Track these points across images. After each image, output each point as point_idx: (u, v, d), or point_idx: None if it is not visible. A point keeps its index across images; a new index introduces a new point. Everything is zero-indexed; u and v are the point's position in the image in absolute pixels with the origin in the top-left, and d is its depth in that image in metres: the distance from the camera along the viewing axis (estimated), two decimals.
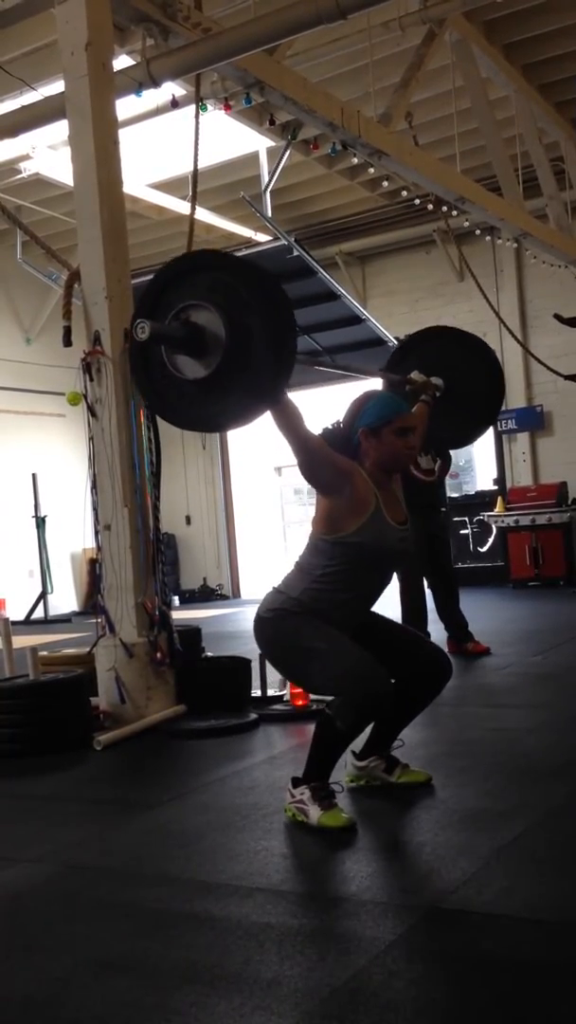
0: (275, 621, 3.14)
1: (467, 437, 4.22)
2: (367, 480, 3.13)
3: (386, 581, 3.28)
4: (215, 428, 3.16)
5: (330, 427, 3.20)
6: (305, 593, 3.11)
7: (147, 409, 3.17)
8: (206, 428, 3.22)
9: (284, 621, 3.12)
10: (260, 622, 3.19)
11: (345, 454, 3.13)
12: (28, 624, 11.66)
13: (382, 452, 3.15)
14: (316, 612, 3.10)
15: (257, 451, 13.97)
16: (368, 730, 3.38)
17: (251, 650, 5.59)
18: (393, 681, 3.18)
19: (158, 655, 4.80)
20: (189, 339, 2.87)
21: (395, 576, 5.98)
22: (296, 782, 3.13)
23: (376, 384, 3.91)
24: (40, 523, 12.27)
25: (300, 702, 4.73)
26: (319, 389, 13.06)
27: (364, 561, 3.10)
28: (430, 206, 10.05)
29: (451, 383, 3.84)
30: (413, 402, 3.67)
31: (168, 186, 10.25)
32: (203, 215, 10.54)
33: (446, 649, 6.21)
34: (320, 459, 3.04)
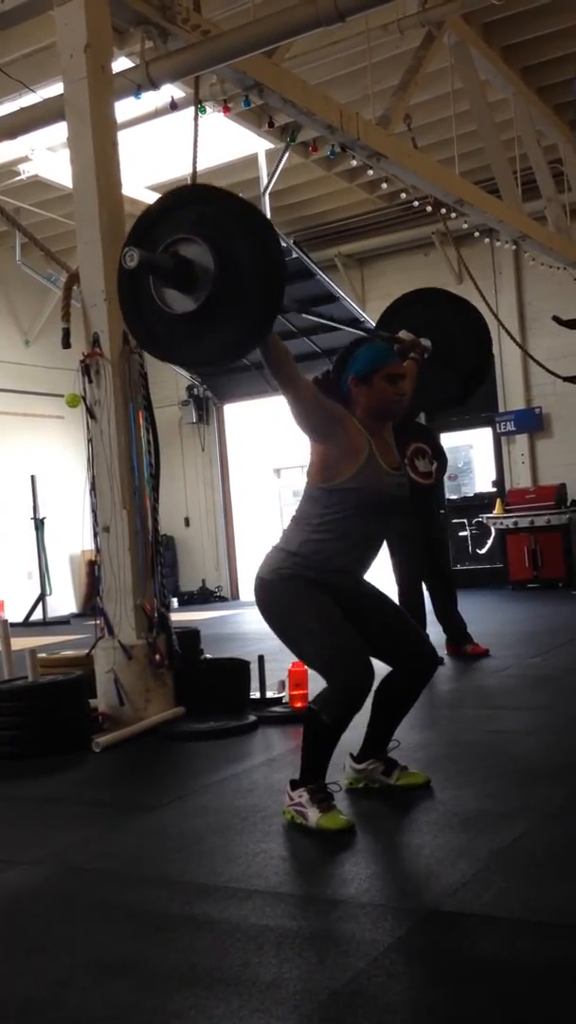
0: (274, 585, 3.12)
1: (458, 397, 4.22)
2: (359, 426, 3.13)
3: (384, 531, 3.26)
4: (204, 363, 3.11)
5: (319, 376, 3.19)
6: (304, 546, 3.10)
7: (136, 343, 3.09)
8: (195, 363, 3.21)
9: (283, 587, 3.10)
10: (260, 584, 3.17)
11: (335, 402, 3.13)
12: (27, 626, 11.64)
13: (372, 399, 3.15)
14: (316, 569, 3.08)
15: (256, 453, 13.97)
16: (364, 733, 3.39)
17: (250, 652, 5.60)
18: (383, 679, 3.22)
19: (157, 657, 4.80)
20: (177, 271, 2.84)
21: (391, 571, 6.08)
22: (294, 785, 3.13)
23: None
24: (39, 525, 12.26)
25: (299, 704, 4.73)
26: None
27: (361, 507, 3.09)
28: (429, 208, 10.05)
29: (439, 343, 3.85)
30: (402, 361, 3.67)
31: (167, 188, 10.21)
32: None
33: (444, 651, 6.25)
34: (311, 401, 3.03)
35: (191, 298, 2.85)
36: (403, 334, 3.79)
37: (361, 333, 3.54)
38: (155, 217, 2.99)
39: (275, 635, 3.23)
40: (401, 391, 3.19)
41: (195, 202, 2.95)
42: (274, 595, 3.14)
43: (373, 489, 3.09)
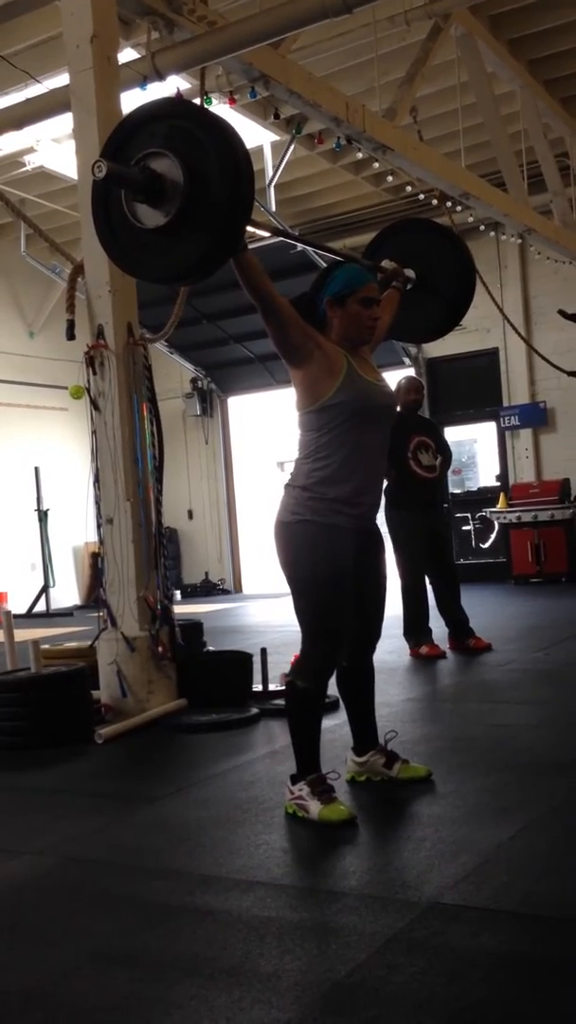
0: (290, 528, 3.14)
1: (441, 327, 4.22)
2: (334, 345, 3.15)
3: (382, 446, 3.26)
4: (177, 277, 3.10)
5: (296, 297, 3.20)
6: (313, 475, 3.11)
7: (112, 262, 3.12)
8: (167, 279, 3.20)
9: (300, 532, 3.12)
10: (278, 528, 3.19)
11: (311, 323, 3.14)
12: (30, 617, 11.67)
13: (346, 322, 3.17)
14: (333, 506, 3.08)
15: (259, 446, 13.97)
16: (350, 728, 3.44)
17: (253, 645, 5.60)
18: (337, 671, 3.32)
19: (160, 649, 4.81)
20: (147, 184, 2.85)
21: (394, 565, 6.08)
22: (294, 779, 3.14)
23: None
24: (42, 517, 12.28)
25: None
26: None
27: (352, 419, 3.10)
28: (434, 201, 10.02)
29: (424, 273, 3.87)
30: (384, 289, 3.68)
31: None
32: None
33: (447, 645, 6.26)
34: (288, 317, 3.05)
35: (161, 212, 2.86)
36: (386, 263, 3.81)
37: (341, 259, 3.54)
38: (127, 132, 3.00)
39: (284, 577, 3.26)
40: (374, 315, 3.21)
41: (166, 116, 2.94)
42: (292, 538, 3.15)
43: (359, 399, 3.11)
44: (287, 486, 3.22)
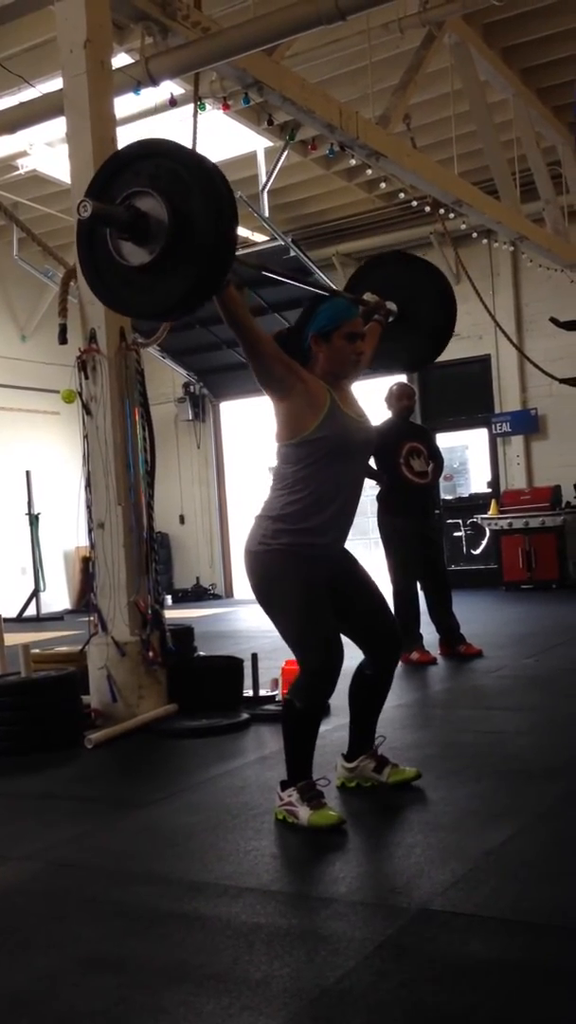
0: (260, 557, 3.14)
1: (423, 359, 4.28)
2: (317, 379, 3.16)
3: (358, 481, 3.29)
4: (161, 313, 3.15)
5: (283, 331, 3.22)
6: (286, 508, 3.12)
7: (96, 297, 3.21)
8: (151, 315, 3.23)
9: (269, 560, 3.12)
10: (249, 557, 3.19)
11: (296, 358, 3.15)
12: (20, 622, 11.63)
13: (331, 357, 3.18)
14: (302, 534, 3.09)
15: (251, 451, 13.96)
16: (348, 731, 3.42)
17: (243, 650, 5.60)
18: (352, 674, 3.30)
19: (150, 654, 4.80)
20: (132, 223, 2.88)
21: (385, 571, 6.08)
22: (283, 785, 3.14)
23: None
24: (33, 520, 12.24)
25: None
26: None
27: (331, 455, 3.11)
28: (427, 208, 10.04)
29: (404, 306, 3.91)
30: (366, 322, 3.70)
31: None
32: None
33: (438, 651, 6.26)
34: (271, 354, 3.06)
35: (146, 250, 2.89)
36: (368, 296, 3.84)
37: (324, 293, 3.57)
38: (112, 171, 3.04)
39: (262, 609, 3.26)
40: (359, 350, 3.23)
41: (151, 155, 2.98)
42: (261, 567, 3.16)
43: (339, 436, 3.11)
44: (258, 517, 3.21)
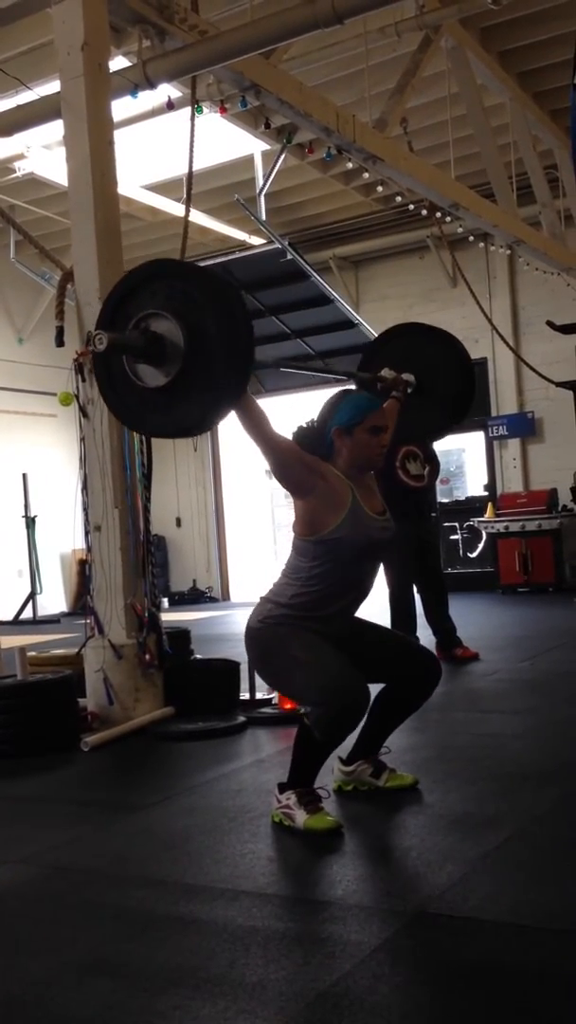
0: (265, 630, 3.14)
1: (441, 429, 4.25)
2: (340, 476, 3.14)
3: (373, 575, 3.27)
4: (180, 432, 3.18)
5: (304, 426, 3.21)
6: (295, 599, 3.11)
7: (115, 417, 3.28)
8: (169, 434, 3.25)
9: (273, 631, 3.12)
10: (250, 632, 3.19)
11: (318, 453, 3.15)
12: (16, 624, 11.61)
13: (355, 451, 3.17)
14: (307, 619, 3.10)
15: (248, 454, 13.95)
16: (355, 734, 3.39)
17: (240, 653, 5.58)
18: (383, 685, 3.23)
19: (147, 657, 4.80)
20: (148, 348, 2.91)
21: (382, 574, 6.08)
22: (282, 787, 3.13)
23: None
24: (30, 523, 12.23)
25: (288, 705, 4.72)
26: (299, 394, 13.09)
27: (348, 556, 3.10)
28: (424, 212, 10.07)
29: (422, 378, 3.88)
30: (384, 399, 3.70)
31: (162, 188, 10.25)
32: (197, 217, 10.54)
33: (434, 654, 6.25)
34: (289, 458, 3.05)
35: (162, 372, 2.92)
36: (385, 372, 3.81)
37: (342, 376, 3.58)
38: (126, 291, 3.06)
39: (265, 680, 3.28)
40: (383, 443, 3.20)
41: (168, 276, 3.00)
42: (263, 639, 3.15)
43: (359, 537, 3.10)
44: (263, 599, 3.21)
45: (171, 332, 2.87)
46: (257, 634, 3.16)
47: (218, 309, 2.84)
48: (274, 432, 3.02)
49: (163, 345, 2.88)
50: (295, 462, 3.06)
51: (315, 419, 3.23)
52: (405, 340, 4.15)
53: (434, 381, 3.90)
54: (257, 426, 2.97)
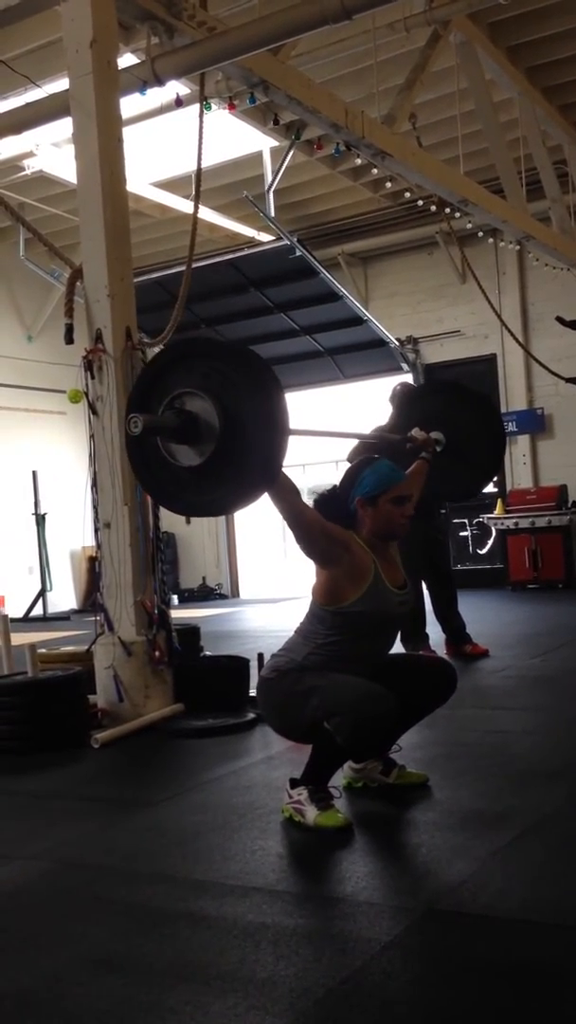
0: (279, 678, 3.15)
1: (470, 490, 4.26)
2: (364, 547, 3.14)
3: (389, 644, 3.32)
4: (213, 513, 3.18)
5: (325, 493, 3.21)
6: (308, 659, 3.13)
7: (149, 496, 3.30)
8: (204, 513, 3.24)
9: (285, 675, 3.14)
10: (263, 683, 3.21)
11: (340, 521, 3.15)
12: (27, 621, 11.65)
13: (378, 521, 3.16)
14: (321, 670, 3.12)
15: None
16: None
17: (249, 650, 5.60)
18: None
19: (156, 654, 4.80)
20: (183, 428, 2.88)
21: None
22: (294, 783, 3.13)
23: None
24: (40, 520, 12.27)
25: None
26: (320, 389, 13.09)
27: (365, 629, 3.12)
28: (433, 208, 10.05)
29: (452, 437, 3.87)
30: (413, 459, 3.72)
31: (171, 185, 10.25)
32: (206, 214, 10.54)
33: (444, 651, 6.25)
34: (316, 531, 3.05)
35: (196, 451, 2.89)
36: (415, 432, 3.80)
37: (373, 439, 3.55)
38: (162, 368, 3.05)
39: (279, 734, 3.30)
40: (407, 513, 3.20)
41: (204, 356, 2.97)
42: (279, 683, 3.15)
43: (378, 611, 3.11)
44: (276, 655, 3.22)
45: (206, 411, 2.84)
46: (270, 683, 3.18)
47: (255, 391, 2.81)
48: (303, 505, 3.01)
49: (197, 424, 2.86)
50: (321, 535, 3.06)
51: (337, 485, 3.23)
52: (435, 399, 4.15)
53: (464, 443, 3.88)
54: (286, 500, 2.96)
